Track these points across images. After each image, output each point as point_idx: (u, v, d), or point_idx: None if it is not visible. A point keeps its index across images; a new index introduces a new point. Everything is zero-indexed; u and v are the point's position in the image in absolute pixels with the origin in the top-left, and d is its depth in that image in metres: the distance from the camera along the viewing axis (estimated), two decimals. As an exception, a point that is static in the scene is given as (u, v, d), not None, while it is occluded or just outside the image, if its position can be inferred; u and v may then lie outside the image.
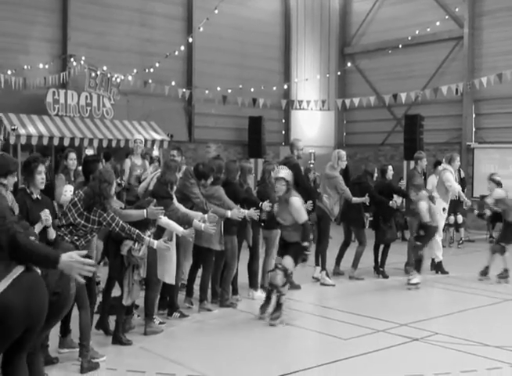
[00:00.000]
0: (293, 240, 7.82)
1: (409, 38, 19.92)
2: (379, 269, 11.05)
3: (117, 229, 6.10)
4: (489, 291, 9.76)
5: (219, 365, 6.17)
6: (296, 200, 7.79)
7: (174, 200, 7.66)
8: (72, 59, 17.07)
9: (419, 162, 11.60)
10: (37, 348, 4.13)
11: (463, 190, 14.04)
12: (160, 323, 7.51)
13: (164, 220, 6.97)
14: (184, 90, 18.44)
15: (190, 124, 20.23)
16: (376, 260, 11.13)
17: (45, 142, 14.87)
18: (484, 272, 10.59)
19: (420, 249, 10.04)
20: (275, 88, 20.54)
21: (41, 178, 5.99)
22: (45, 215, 5.76)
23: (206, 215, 7.63)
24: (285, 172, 7.91)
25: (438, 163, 13.13)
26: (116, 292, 7.01)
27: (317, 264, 10.49)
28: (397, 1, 20.94)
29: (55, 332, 6.01)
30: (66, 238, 5.91)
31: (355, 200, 10.53)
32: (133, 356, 6.44)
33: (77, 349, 6.05)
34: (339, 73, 22.22)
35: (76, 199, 6.06)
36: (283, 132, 22.72)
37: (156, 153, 16.49)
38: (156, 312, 7.62)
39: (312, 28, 22.93)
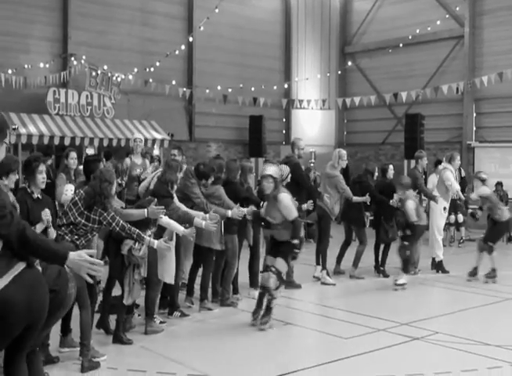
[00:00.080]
0: (284, 239, 7.54)
1: (410, 37, 19.92)
2: (379, 268, 11.06)
3: (118, 229, 6.10)
4: (490, 290, 9.76)
5: (220, 364, 6.17)
6: (285, 196, 7.51)
7: (175, 199, 7.66)
8: (73, 59, 17.09)
9: (419, 161, 11.59)
10: (37, 348, 4.13)
11: (464, 189, 14.07)
12: (161, 322, 7.51)
13: (165, 219, 6.97)
14: (184, 89, 18.45)
15: (191, 124, 20.25)
16: (377, 259, 11.13)
17: (46, 141, 14.88)
18: (473, 273, 10.55)
19: (407, 249, 9.94)
20: (275, 87, 20.55)
21: (42, 177, 6.01)
22: (46, 215, 5.77)
23: (207, 215, 7.63)
24: (272, 169, 7.64)
25: (439, 162, 13.13)
26: (116, 291, 7.01)
27: (318, 263, 10.49)
28: (397, 0, 20.93)
29: (55, 331, 6.01)
30: (67, 237, 5.91)
31: (356, 199, 10.53)
32: (134, 355, 6.44)
33: (78, 348, 6.05)
34: (339, 72, 22.24)
35: (76, 198, 6.06)
36: (284, 131, 22.73)
37: (156, 152, 16.50)
38: (157, 311, 7.63)
39: (313, 27, 22.94)
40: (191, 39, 19.05)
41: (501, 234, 10.91)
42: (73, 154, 8.92)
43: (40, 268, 3.71)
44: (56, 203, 8.45)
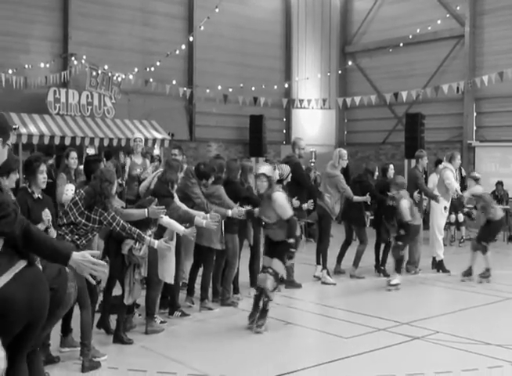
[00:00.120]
0: (280, 239, 7.41)
1: (410, 37, 19.92)
2: (380, 267, 11.06)
3: (118, 229, 6.10)
4: (490, 290, 9.76)
5: (220, 364, 6.16)
6: (279, 195, 7.38)
7: (176, 198, 7.66)
8: (73, 58, 17.09)
9: (420, 161, 11.60)
10: (37, 348, 4.13)
11: (464, 189, 14.04)
12: (161, 322, 7.51)
13: (166, 219, 6.97)
14: (185, 89, 18.44)
15: (191, 123, 20.25)
16: (378, 259, 11.13)
17: (46, 141, 14.88)
18: (468, 273, 10.51)
19: (401, 249, 9.84)
20: (276, 86, 20.55)
21: (43, 177, 6.02)
22: (46, 215, 5.77)
23: (208, 215, 7.63)
24: (266, 168, 7.53)
25: (439, 161, 13.13)
26: (117, 291, 7.02)
27: (318, 263, 10.50)
28: (398, -1, 20.97)
29: (56, 331, 6.01)
30: (67, 237, 5.91)
31: (357, 198, 10.53)
32: (134, 355, 6.44)
33: (79, 348, 6.05)
34: (340, 71, 22.24)
35: (77, 198, 6.06)
36: (284, 131, 22.74)
37: (157, 152, 16.51)
38: (158, 311, 7.62)
39: (313, 27, 22.93)
40: (191, 39, 19.04)
41: (495, 233, 10.81)
42: (74, 154, 8.92)
43: (40, 266, 3.72)
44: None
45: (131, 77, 17.31)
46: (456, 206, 13.76)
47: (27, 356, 3.79)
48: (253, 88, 19.57)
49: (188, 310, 8.14)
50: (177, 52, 18.15)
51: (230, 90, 18.99)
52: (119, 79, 16.99)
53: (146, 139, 15.86)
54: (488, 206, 10.41)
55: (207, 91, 18.78)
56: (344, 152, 10.70)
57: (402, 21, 20.41)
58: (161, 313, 7.84)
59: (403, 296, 9.57)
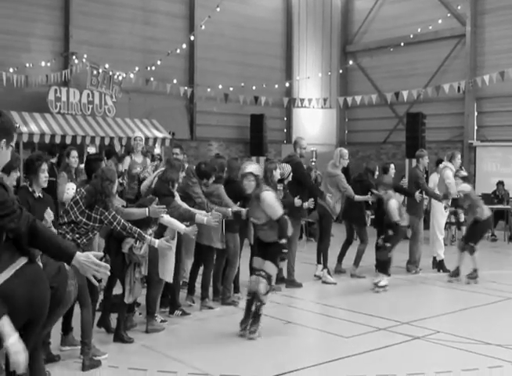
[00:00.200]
0: (271, 240, 7.09)
1: (411, 36, 19.92)
2: (380, 267, 11.05)
3: (119, 228, 6.10)
4: (491, 290, 9.76)
5: (221, 363, 6.17)
6: (268, 194, 7.03)
7: (177, 197, 7.66)
8: (74, 57, 17.08)
9: (420, 160, 11.59)
10: (38, 346, 4.13)
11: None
12: (162, 321, 7.51)
13: (166, 218, 6.97)
14: (186, 88, 18.43)
15: (192, 122, 20.25)
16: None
17: (47, 140, 14.88)
18: (455, 273, 10.44)
19: (389, 251, 9.62)
20: (277, 86, 20.54)
21: (44, 176, 6.05)
22: (49, 215, 5.78)
23: (209, 214, 7.62)
24: (253, 167, 7.20)
25: (440, 161, 13.12)
26: (117, 290, 7.02)
27: (319, 262, 10.50)
28: (398, -2, 20.97)
29: (56, 330, 6.02)
30: (68, 236, 5.91)
31: (358, 198, 10.52)
32: (135, 353, 6.45)
33: (79, 347, 6.05)
34: (341, 71, 22.22)
35: (78, 197, 6.06)
36: (285, 130, 22.74)
37: (157, 151, 16.51)
38: (158, 310, 7.63)
39: (314, 26, 22.93)
40: (192, 38, 19.03)
41: (482, 234, 10.62)
42: (75, 153, 8.93)
43: (41, 264, 3.72)
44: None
45: (131, 76, 17.31)
46: (456, 205, 13.74)
47: (28, 355, 3.79)
48: (254, 88, 19.56)
49: (188, 309, 8.15)
50: (178, 51, 18.16)
51: (231, 89, 18.98)
52: (120, 78, 16.99)
53: (147, 138, 15.86)
54: (474, 205, 10.27)
55: (208, 90, 18.78)
56: (345, 151, 10.70)
57: (403, 20, 20.40)
58: (162, 312, 7.85)
59: (404, 296, 9.57)
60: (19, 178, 6.53)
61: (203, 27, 17.92)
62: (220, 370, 5.92)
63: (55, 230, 5.83)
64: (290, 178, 9.68)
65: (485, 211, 10.33)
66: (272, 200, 7.04)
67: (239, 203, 8.39)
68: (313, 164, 18.38)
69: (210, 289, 8.59)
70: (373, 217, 13.25)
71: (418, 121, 18.28)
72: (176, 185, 7.62)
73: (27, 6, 16.73)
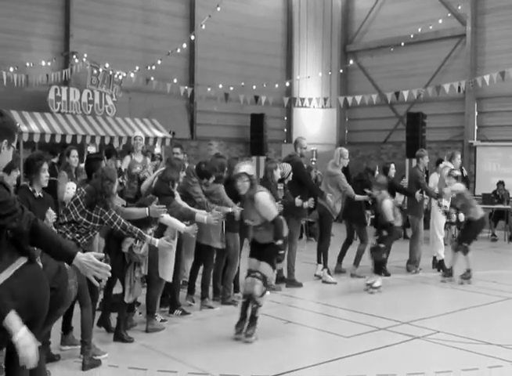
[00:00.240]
0: (267, 241, 6.95)
1: (412, 36, 19.91)
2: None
3: (119, 228, 6.09)
4: (491, 289, 9.75)
5: (220, 362, 6.16)
6: (262, 195, 6.87)
7: (178, 197, 7.66)
8: (74, 57, 17.08)
9: (420, 160, 11.60)
10: (38, 344, 4.12)
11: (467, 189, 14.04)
12: (162, 320, 7.51)
13: (167, 217, 6.97)
14: (186, 87, 18.43)
15: (192, 122, 20.25)
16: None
17: (48, 139, 14.88)
18: (449, 273, 10.42)
19: (383, 251, 9.56)
20: (277, 85, 20.54)
21: (45, 176, 6.06)
22: (51, 215, 5.78)
23: (210, 213, 7.62)
24: (246, 167, 7.02)
25: (440, 161, 13.13)
26: (117, 289, 7.02)
27: (319, 262, 10.50)
28: (399, -2, 20.96)
29: (56, 329, 6.02)
30: (68, 235, 5.91)
31: (358, 197, 10.52)
32: (135, 353, 6.45)
33: (79, 347, 6.05)
34: (341, 70, 22.22)
35: (78, 196, 6.05)
36: (285, 130, 22.74)
37: (157, 150, 16.51)
38: (158, 309, 7.63)
39: (314, 26, 22.92)
40: (193, 37, 19.03)
41: (476, 234, 10.56)
42: (75, 152, 8.93)
43: (41, 264, 3.72)
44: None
45: (132, 75, 17.30)
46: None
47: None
48: (254, 87, 19.55)
49: (188, 309, 8.15)
50: (178, 50, 18.16)
51: (231, 89, 18.97)
52: (120, 77, 16.99)
53: (147, 138, 15.86)
54: (467, 205, 10.21)
55: (208, 89, 18.77)
56: (346, 151, 10.70)
57: (404, 20, 20.39)
58: (162, 312, 7.86)
59: (404, 295, 9.58)
60: (19, 177, 6.53)
61: (203, 26, 17.92)
62: (220, 369, 5.92)
63: (54, 230, 5.83)
64: (290, 178, 9.69)
65: (479, 211, 10.27)
66: (266, 201, 6.89)
67: (239, 203, 8.39)
68: (313, 163, 18.38)
69: (211, 288, 8.60)
70: (373, 217, 13.24)
71: (418, 120, 18.27)
72: (176, 184, 7.62)
73: (28, 5, 16.73)
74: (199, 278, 8.60)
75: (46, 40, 17.27)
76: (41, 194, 6.02)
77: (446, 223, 12.46)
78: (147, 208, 6.61)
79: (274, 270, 7.38)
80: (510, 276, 10.96)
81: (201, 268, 8.62)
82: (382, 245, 9.52)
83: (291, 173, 9.66)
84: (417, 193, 10.99)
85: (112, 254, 6.84)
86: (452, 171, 10.60)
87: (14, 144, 3.59)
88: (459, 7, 19.29)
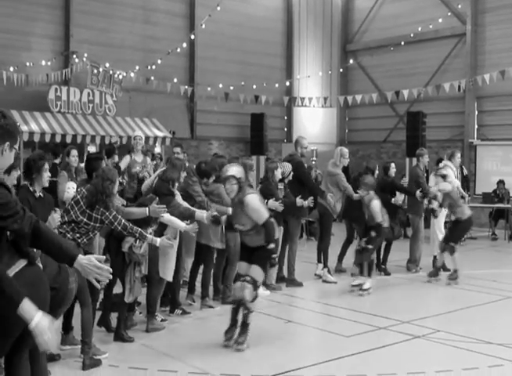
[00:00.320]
0: (258, 245, 6.66)
1: (412, 35, 19.91)
2: (381, 266, 11.05)
3: (119, 228, 6.09)
4: (491, 289, 9.75)
5: (221, 362, 6.16)
6: (251, 198, 6.56)
7: (178, 196, 7.67)
8: (74, 56, 17.09)
9: (420, 159, 11.60)
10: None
11: (467, 188, 14.06)
12: (162, 320, 7.52)
13: (167, 217, 6.98)
14: (186, 87, 18.43)
15: (192, 121, 20.25)
16: (378, 257, 11.11)
17: (48, 139, 14.88)
18: (434, 274, 10.38)
19: (371, 252, 9.39)
20: (277, 85, 20.53)
21: (47, 176, 6.06)
22: (54, 220, 5.79)
23: (210, 212, 7.62)
24: (234, 170, 6.68)
25: (440, 160, 13.14)
26: (118, 289, 7.02)
27: (319, 261, 10.51)
28: (399, -3, 20.95)
29: (57, 329, 6.01)
30: (68, 235, 5.91)
31: (357, 196, 10.50)
32: (135, 353, 6.45)
33: (79, 346, 6.05)
34: (341, 70, 22.22)
35: (78, 197, 6.05)
36: (285, 129, 22.73)
37: (158, 150, 16.51)
38: (158, 309, 7.63)
39: (315, 25, 22.91)
40: (193, 37, 19.04)
41: (463, 233, 10.55)
42: (74, 152, 8.92)
43: (41, 265, 3.72)
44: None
45: (132, 75, 17.30)
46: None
47: (30, 354, 3.79)
48: (254, 86, 19.54)
49: (189, 308, 8.15)
50: (178, 50, 18.17)
51: (231, 88, 18.96)
52: (120, 77, 16.99)
53: (147, 137, 15.87)
54: (455, 204, 10.15)
55: (209, 89, 18.76)
56: (346, 150, 10.70)
57: (404, 19, 20.39)
58: (162, 311, 7.86)
59: (404, 295, 9.58)
60: (19, 177, 6.53)
61: (203, 25, 17.92)
62: (220, 369, 5.93)
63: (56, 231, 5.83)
64: (290, 177, 9.69)
65: (466, 211, 10.21)
66: (256, 204, 6.60)
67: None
68: (313, 163, 18.38)
69: (211, 288, 8.60)
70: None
71: (418, 119, 18.27)
72: (177, 184, 7.63)
73: (28, 5, 16.73)
74: (199, 277, 8.60)
75: (46, 40, 17.27)
76: (41, 194, 6.02)
77: (446, 222, 12.45)
78: (147, 208, 6.61)
79: (265, 274, 7.16)
80: (511, 275, 10.95)
81: (201, 267, 8.62)
82: (370, 246, 9.35)
83: (291, 172, 9.66)
84: (418, 193, 10.98)
85: (112, 253, 6.85)
86: (439, 170, 10.54)
87: (16, 146, 3.58)
88: (459, 6, 19.29)
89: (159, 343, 6.77)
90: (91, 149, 15.91)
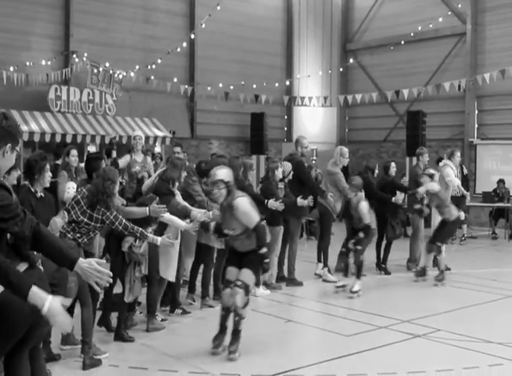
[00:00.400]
0: (249, 249, 6.37)
1: (412, 34, 19.89)
2: (381, 265, 11.06)
3: (120, 228, 6.09)
4: (491, 288, 9.75)
5: (221, 362, 6.16)
6: (241, 201, 6.27)
7: (179, 196, 7.66)
8: (74, 56, 17.08)
9: (420, 158, 11.61)
10: (38, 345, 4.13)
11: (467, 187, 14.05)
12: (162, 319, 7.51)
13: (167, 216, 6.98)
14: (186, 86, 18.42)
15: (192, 121, 20.24)
16: (379, 256, 11.13)
17: (48, 139, 14.88)
18: (421, 273, 10.33)
19: (361, 254, 9.20)
20: (277, 84, 20.52)
21: (48, 176, 6.06)
22: (55, 225, 5.79)
23: (210, 213, 7.62)
24: (223, 173, 6.35)
25: (440, 160, 13.13)
26: (118, 289, 7.02)
27: (319, 261, 10.51)
28: (399, -3, 20.94)
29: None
30: (69, 235, 5.91)
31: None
32: (135, 352, 6.45)
33: (80, 346, 6.06)
34: (341, 69, 22.20)
35: (79, 197, 6.05)
36: (285, 129, 22.72)
37: (158, 149, 16.51)
38: (159, 308, 7.63)
39: (315, 24, 22.91)
40: (193, 36, 19.04)
41: (450, 234, 10.51)
42: (74, 152, 8.92)
43: (41, 267, 3.72)
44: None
45: (132, 74, 17.29)
46: (457, 204, 13.74)
47: (29, 353, 3.79)
48: (254, 86, 19.53)
49: (189, 308, 8.15)
50: (178, 49, 18.16)
51: (231, 88, 18.94)
52: (120, 76, 16.99)
53: (147, 137, 15.86)
54: (442, 205, 10.10)
55: (209, 88, 18.75)
56: (346, 150, 10.70)
57: (404, 19, 20.37)
58: (162, 311, 7.86)
59: (404, 294, 9.58)
60: (19, 177, 6.53)
61: (203, 25, 17.92)
62: (220, 368, 5.93)
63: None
64: (290, 177, 9.69)
65: (453, 212, 10.15)
66: (246, 207, 6.29)
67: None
68: (313, 162, 18.37)
69: (211, 288, 8.59)
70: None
71: (418, 119, 18.26)
72: (177, 184, 7.63)
73: (28, 5, 16.72)
74: (199, 277, 8.60)
75: (46, 39, 17.26)
76: (42, 194, 6.01)
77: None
78: (147, 208, 6.61)
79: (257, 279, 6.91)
80: (511, 274, 10.95)
81: (201, 267, 8.62)
82: (359, 247, 9.22)
83: (291, 172, 9.66)
84: (398, 195, 10.98)
85: (112, 253, 6.86)
86: (427, 169, 10.50)
87: (18, 148, 3.58)
88: (460, 5, 19.28)
89: (159, 343, 6.77)
90: (91, 149, 15.91)
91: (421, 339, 6.98)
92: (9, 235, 3.45)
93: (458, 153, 11.46)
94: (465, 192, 12.36)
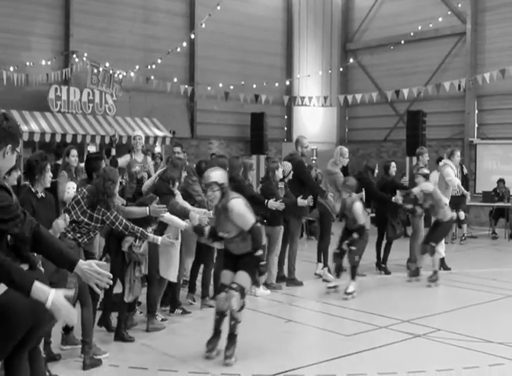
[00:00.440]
0: (244, 252, 6.25)
1: (412, 34, 19.90)
2: (381, 265, 11.06)
3: (120, 228, 6.09)
4: (492, 287, 9.75)
5: (221, 362, 6.16)
6: (235, 202, 6.15)
7: (179, 196, 7.66)
8: (74, 56, 17.09)
9: (420, 158, 11.60)
10: (38, 345, 4.13)
11: (467, 187, 14.05)
12: (163, 319, 7.51)
13: (167, 216, 6.98)
14: (186, 86, 18.42)
15: (192, 121, 20.24)
16: (379, 256, 11.13)
17: (48, 138, 14.89)
18: (415, 273, 10.34)
19: (355, 254, 9.09)
20: (277, 84, 20.52)
21: (49, 176, 6.05)
22: (58, 227, 5.79)
23: (210, 212, 7.62)
24: (217, 174, 6.23)
25: (440, 159, 13.13)
26: (118, 289, 7.02)
27: (319, 260, 10.51)
28: (399, -3, 20.94)
29: (57, 329, 6.01)
30: (69, 235, 5.91)
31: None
32: (135, 352, 6.45)
33: (80, 346, 6.05)
34: (341, 69, 22.21)
35: (79, 197, 6.05)
36: (285, 129, 22.73)
37: (158, 149, 16.51)
38: (159, 308, 7.64)
39: (315, 24, 22.91)
40: (193, 36, 19.04)
41: (444, 234, 10.47)
42: (74, 152, 8.91)
43: (42, 268, 3.72)
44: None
45: (132, 74, 17.30)
46: (457, 203, 13.75)
47: (29, 354, 3.79)
48: (254, 86, 19.54)
49: (189, 308, 8.15)
50: (178, 49, 18.17)
51: (231, 87, 18.94)
52: (120, 76, 16.99)
53: (147, 137, 15.86)
54: (436, 205, 10.03)
55: (209, 88, 18.75)
56: (346, 150, 10.70)
57: (404, 18, 20.38)
58: (162, 311, 7.86)
59: (404, 294, 9.58)
60: (19, 177, 6.53)
61: (203, 25, 17.92)
62: (221, 368, 5.93)
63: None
64: (290, 177, 9.69)
65: (447, 212, 10.13)
66: (241, 209, 6.16)
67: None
68: (314, 162, 18.37)
69: (211, 287, 8.59)
70: (373, 215, 13.24)
71: (418, 119, 18.27)
72: (177, 183, 7.63)
73: (28, 5, 16.73)
74: (199, 277, 8.60)
75: (46, 39, 17.27)
76: (43, 195, 6.01)
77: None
78: (148, 207, 6.61)
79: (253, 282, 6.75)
80: (511, 274, 10.95)
81: (202, 267, 8.62)
82: (354, 248, 9.12)
83: (291, 172, 9.66)
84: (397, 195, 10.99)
85: (112, 253, 6.85)
86: (421, 169, 10.46)
87: (18, 149, 3.57)
88: (459, 5, 19.29)
89: (159, 343, 6.77)
90: (91, 149, 15.91)
91: (421, 339, 6.97)
92: (9, 236, 3.45)
93: (458, 153, 11.46)
94: (465, 191, 12.38)
